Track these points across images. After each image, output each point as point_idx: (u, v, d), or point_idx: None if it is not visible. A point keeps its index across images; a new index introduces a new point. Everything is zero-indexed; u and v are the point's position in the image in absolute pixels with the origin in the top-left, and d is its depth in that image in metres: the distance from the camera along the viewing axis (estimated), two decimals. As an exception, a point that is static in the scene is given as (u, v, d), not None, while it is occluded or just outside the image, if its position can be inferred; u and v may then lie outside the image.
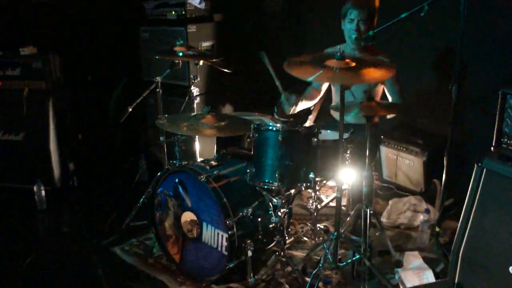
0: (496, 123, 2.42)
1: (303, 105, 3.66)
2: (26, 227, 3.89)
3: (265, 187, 2.81)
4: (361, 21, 3.26)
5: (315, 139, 2.70)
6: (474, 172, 2.49)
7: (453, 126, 3.18)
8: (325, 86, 3.76)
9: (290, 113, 3.50)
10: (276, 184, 2.70)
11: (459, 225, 2.58)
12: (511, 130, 2.38)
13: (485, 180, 2.46)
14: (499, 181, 2.41)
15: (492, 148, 2.47)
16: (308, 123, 3.86)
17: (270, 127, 2.74)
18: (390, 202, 3.92)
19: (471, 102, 3.79)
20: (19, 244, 3.59)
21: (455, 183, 3.39)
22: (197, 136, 3.63)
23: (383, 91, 3.50)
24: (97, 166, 4.96)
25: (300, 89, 3.79)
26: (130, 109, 3.49)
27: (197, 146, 3.71)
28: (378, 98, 3.47)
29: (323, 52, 2.81)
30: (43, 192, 4.12)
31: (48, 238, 3.72)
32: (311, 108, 3.93)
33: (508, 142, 2.40)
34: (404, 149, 4.18)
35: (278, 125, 2.75)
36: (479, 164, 2.47)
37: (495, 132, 2.43)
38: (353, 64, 2.55)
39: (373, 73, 2.59)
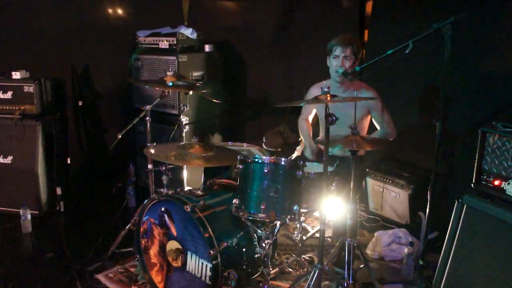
0: (476, 161, 2.49)
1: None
2: (10, 251, 3.87)
3: (250, 218, 2.84)
4: (346, 58, 3.33)
5: (300, 172, 2.74)
6: (454, 208, 2.55)
7: (437, 161, 3.23)
8: (311, 116, 3.82)
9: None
10: (260, 215, 2.73)
11: (440, 260, 2.62)
12: (490, 168, 2.45)
13: (465, 216, 2.52)
14: (479, 217, 2.46)
15: (472, 185, 2.53)
16: (295, 154, 3.92)
17: (256, 159, 2.78)
18: (376, 234, 3.95)
19: (456, 137, 3.86)
20: (2, 268, 3.57)
21: (440, 216, 3.44)
22: (185, 165, 3.67)
23: (370, 124, 3.56)
24: (84, 191, 4.96)
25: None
26: (120, 136, 3.53)
27: (185, 174, 3.74)
28: (364, 131, 3.53)
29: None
30: (29, 216, 4.11)
31: (32, 263, 3.70)
32: (299, 140, 3.99)
33: (488, 179, 2.46)
34: (390, 182, 4.23)
35: (264, 157, 2.79)
36: (460, 200, 2.53)
37: (475, 169, 2.50)
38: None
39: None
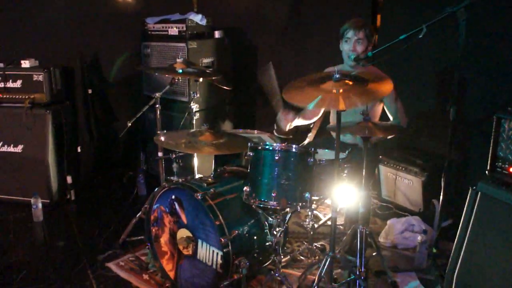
0: (491, 147, 2.47)
1: (299, 122, 3.71)
2: (22, 240, 3.92)
3: (261, 206, 2.84)
4: (358, 41, 3.30)
5: (311, 159, 2.73)
6: (468, 195, 2.53)
7: (451, 148, 3.21)
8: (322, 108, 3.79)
9: (287, 129, 3.56)
10: (271, 203, 2.73)
11: (453, 248, 2.61)
12: (505, 154, 2.43)
13: (479, 204, 2.50)
14: (494, 205, 2.44)
15: (486, 172, 2.50)
16: (307, 141, 3.91)
17: (266, 146, 2.78)
18: (388, 222, 3.94)
19: (471, 123, 3.83)
20: (14, 257, 3.62)
21: (454, 204, 3.42)
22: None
23: (382, 111, 3.54)
24: (95, 180, 5.00)
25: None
26: (130, 124, 3.54)
27: (195, 162, 3.75)
28: (376, 118, 3.51)
29: (318, 74, 2.84)
30: (40, 205, 4.17)
31: (44, 252, 3.74)
32: (311, 126, 3.98)
33: (503, 166, 2.44)
34: (404, 169, 4.21)
35: (274, 144, 2.79)
36: (474, 188, 2.51)
37: (489, 156, 2.47)
38: (351, 83, 2.61)
39: (374, 90, 2.63)
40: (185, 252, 3.04)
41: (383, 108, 3.53)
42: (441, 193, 3.26)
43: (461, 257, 2.58)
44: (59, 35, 4.88)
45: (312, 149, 2.78)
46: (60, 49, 4.88)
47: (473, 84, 3.75)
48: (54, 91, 4.47)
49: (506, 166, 2.43)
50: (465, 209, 2.55)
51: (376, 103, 3.47)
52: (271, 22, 5.29)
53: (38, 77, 4.40)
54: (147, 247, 3.33)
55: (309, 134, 4.04)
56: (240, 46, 5.25)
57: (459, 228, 2.57)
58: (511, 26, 3.57)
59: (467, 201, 2.54)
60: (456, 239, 2.59)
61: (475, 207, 2.51)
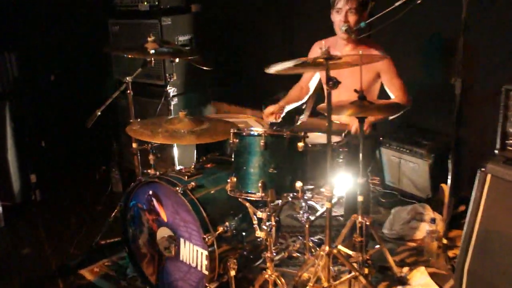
0: (500, 123, 2.48)
1: (287, 108, 3.74)
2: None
3: (248, 198, 2.86)
4: (349, 11, 3.30)
5: (302, 144, 2.74)
6: (477, 178, 2.55)
7: (458, 125, 3.24)
8: (314, 83, 3.81)
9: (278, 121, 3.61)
10: (259, 195, 2.75)
11: (462, 237, 2.64)
12: (516, 131, 2.45)
13: (490, 187, 2.52)
14: (505, 187, 2.45)
15: (496, 152, 2.52)
16: (299, 123, 3.93)
17: (251, 132, 2.79)
18: (393, 211, 3.99)
19: (483, 98, 3.84)
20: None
21: (466, 188, 3.47)
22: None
23: (380, 89, 3.56)
24: (63, 177, 5.00)
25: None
26: (99, 113, 3.53)
27: (175, 152, 3.77)
28: (374, 97, 3.52)
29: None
30: (0, 209, 4.16)
31: (7, 261, 3.75)
32: (303, 107, 3.99)
33: (514, 144, 2.46)
34: (408, 151, 4.24)
35: (260, 129, 2.79)
36: (482, 170, 2.52)
37: (498, 133, 2.49)
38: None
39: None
40: (166, 253, 3.07)
41: (382, 88, 3.55)
42: (449, 177, 3.30)
43: (471, 247, 2.61)
44: (13, 15, 4.84)
45: (303, 133, 2.78)
46: (17, 31, 4.84)
47: (482, 54, 3.77)
48: (10, 79, 4.43)
49: (518, 143, 2.45)
50: (473, 193, 2.57)
51: (373, 81, 3.48)
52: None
53: (-10, 64, 4.38)
54: (124, 249, 3.35)
55: (301, 117, 4.05)
56: (221, 21, 5.24)
57: (468, 214, 2.60)
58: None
59: (475, 184, 2.56)
60: (465, 227, 2.62)
61: (485, 191, 2.53)
